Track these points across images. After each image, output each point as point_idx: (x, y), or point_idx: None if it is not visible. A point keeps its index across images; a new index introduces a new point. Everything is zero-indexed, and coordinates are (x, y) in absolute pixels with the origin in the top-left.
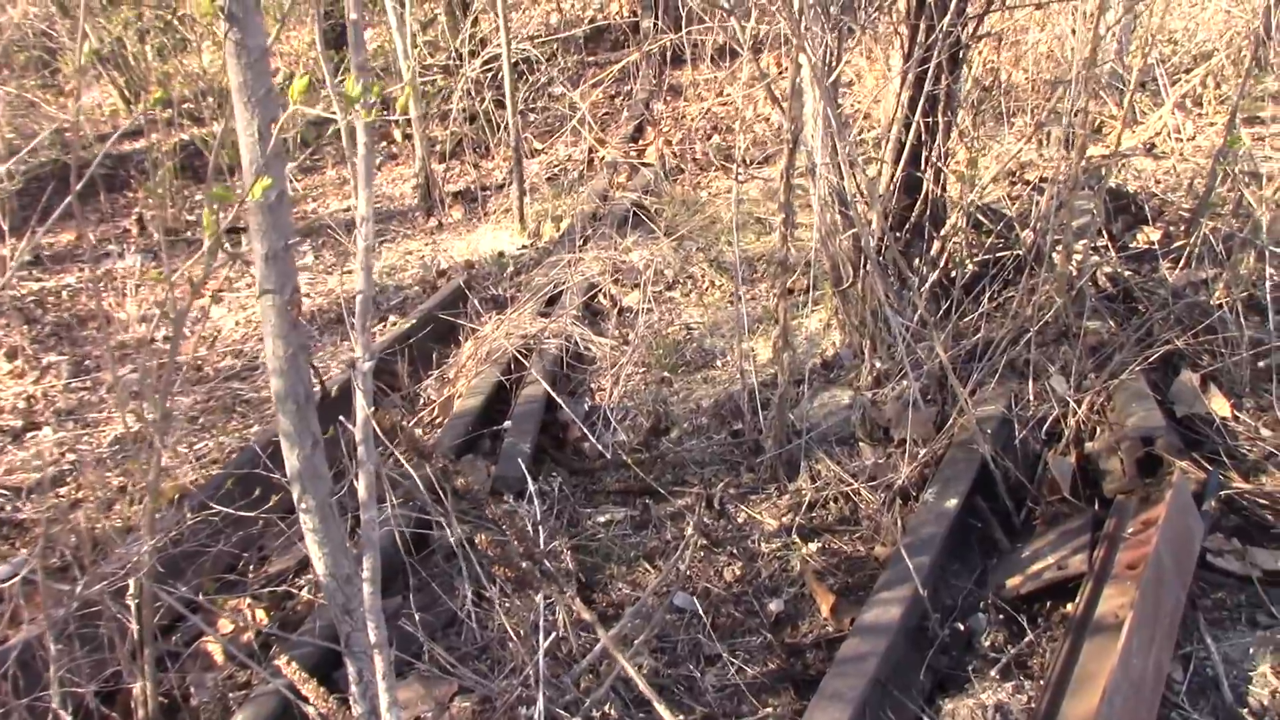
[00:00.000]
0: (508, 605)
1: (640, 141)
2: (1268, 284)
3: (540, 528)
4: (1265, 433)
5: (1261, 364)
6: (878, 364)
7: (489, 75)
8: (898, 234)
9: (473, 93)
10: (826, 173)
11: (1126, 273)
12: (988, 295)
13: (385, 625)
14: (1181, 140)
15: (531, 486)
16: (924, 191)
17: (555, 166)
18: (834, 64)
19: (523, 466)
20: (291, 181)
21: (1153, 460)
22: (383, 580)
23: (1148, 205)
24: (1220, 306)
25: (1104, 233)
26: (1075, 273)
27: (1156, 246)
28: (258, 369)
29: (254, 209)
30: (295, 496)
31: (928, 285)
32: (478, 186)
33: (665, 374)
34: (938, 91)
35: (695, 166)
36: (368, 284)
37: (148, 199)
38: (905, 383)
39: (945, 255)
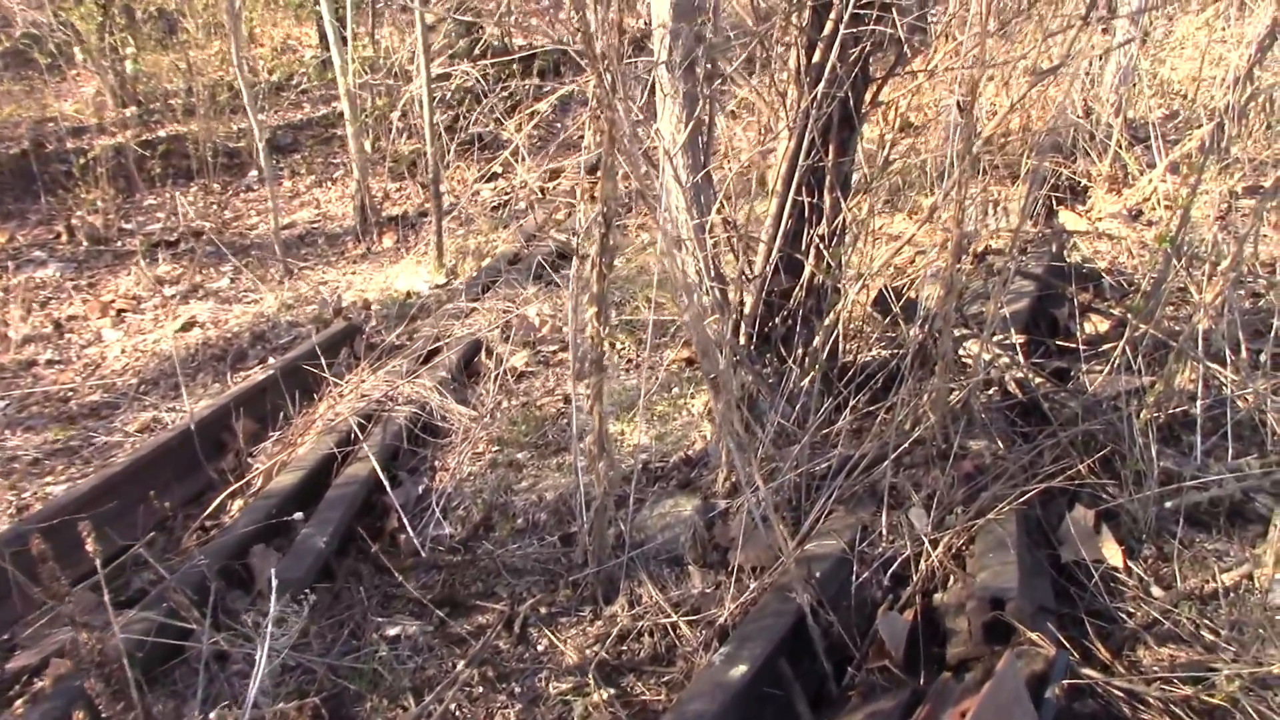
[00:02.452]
0: None
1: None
2: (1199, 404)
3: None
4: (1157, 592)
5: (1169, 504)
6: (734, 472)
7: (441, 94)
8: (773, 321)
9: (415, 112)
10: (694, 248)
11: (1038, 379)
12: (864, 399)
13: None
14: (1171, 208)
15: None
16: (806, 274)
17: (506, 194)
18: (705, 126)
19: (305, 566)
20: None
21: (1005, 625)
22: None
23: (1111, 284)
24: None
25: (1038, 323)
26: (971, 378)
27: (1083, 346)
28: (120, 407)
29: None
30: None
31: (807, 380)
32: (418, 213)
33: (519, 455)
34: (825, 164)
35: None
36: None
37: (81, 203)
38: (758, 494)
39: (830, 347)
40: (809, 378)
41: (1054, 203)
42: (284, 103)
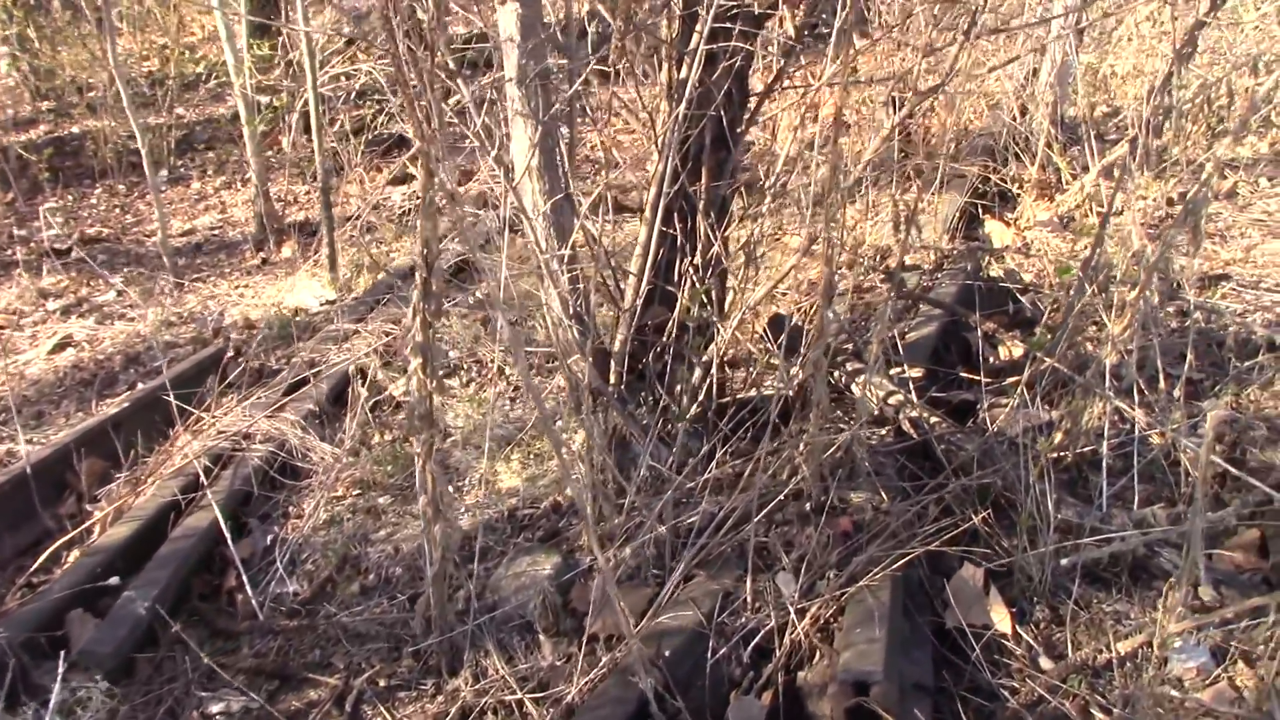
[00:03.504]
0: None
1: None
2: (1105, 445)
3: None
4: (1046, 663)
5: (1065, 561)
6: (601, 522)
7: (346, 93)
8: (646, 357)
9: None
10: (557, 279)
11: (933, 419)
12: (747, 441)
13: None
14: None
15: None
16: (681, 307)
17: (417, 198)
18: (565, 147)
19: (120, 636)
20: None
21: (870, 711)
22: None
23: (1032, 303)
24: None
25: (949, 348)
26: (858, 419)
27: (987, 380)
28: None
29: None
30: None
31: (684, 421)
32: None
33: (380, 499)
34: (697, 189)
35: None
36: None
37: None
38: (625, 552)
39: (710, 384)
40: (685, 418)
41: (980, 211)
42: (208, 96)
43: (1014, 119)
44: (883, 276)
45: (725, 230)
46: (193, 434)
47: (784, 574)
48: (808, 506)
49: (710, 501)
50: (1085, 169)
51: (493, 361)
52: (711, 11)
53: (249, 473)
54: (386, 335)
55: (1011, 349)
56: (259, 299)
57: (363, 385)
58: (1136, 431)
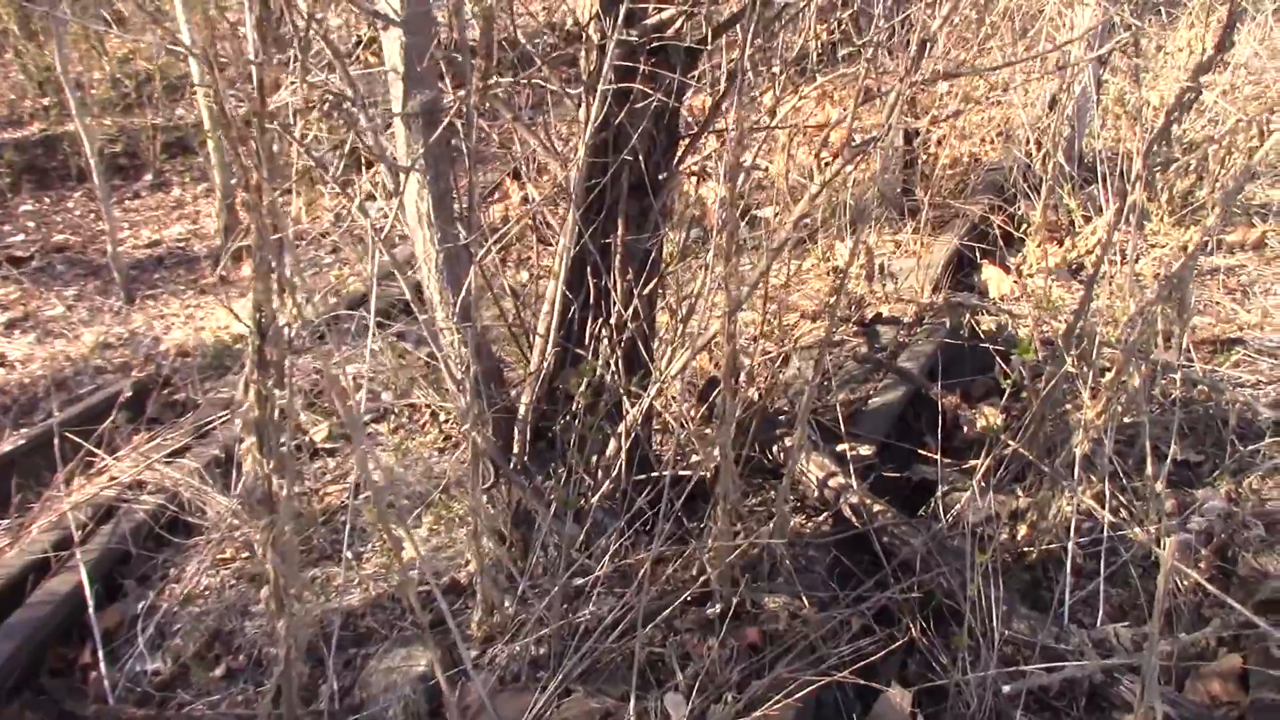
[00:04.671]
0: None
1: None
2: (1071, 544)
3: None
4: None
5: (1010, 687)
6: (493, 612)
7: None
8: (556, 424)
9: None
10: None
11: (877, 507)
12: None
13: None
14: (1117, 265)
15: None
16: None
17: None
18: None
19: None
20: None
21: None
22: None
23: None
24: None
25: (919, 416)
26: (806, 504)
27: (945, 461)
28: None
29: None
30: None
31: (596, 497)
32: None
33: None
34: (613, 241)
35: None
36: None
37: None
38: (516, 645)
39: (620, 462)
40: (599, 494)
41: (978, 255)
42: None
43: (1027, 153)
44: (855, 329)
45: (645, 287)
46: (89, 478)
47: (673, 695)
48: (712, 611)
49: (608, 596)
50: (1100, 211)
51: (427, 407)
52: (613, 42)
53: (135, 525)
54: (318, 372)
55: (990, 419)
56: (207, 320)
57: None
58: (1106, 531)
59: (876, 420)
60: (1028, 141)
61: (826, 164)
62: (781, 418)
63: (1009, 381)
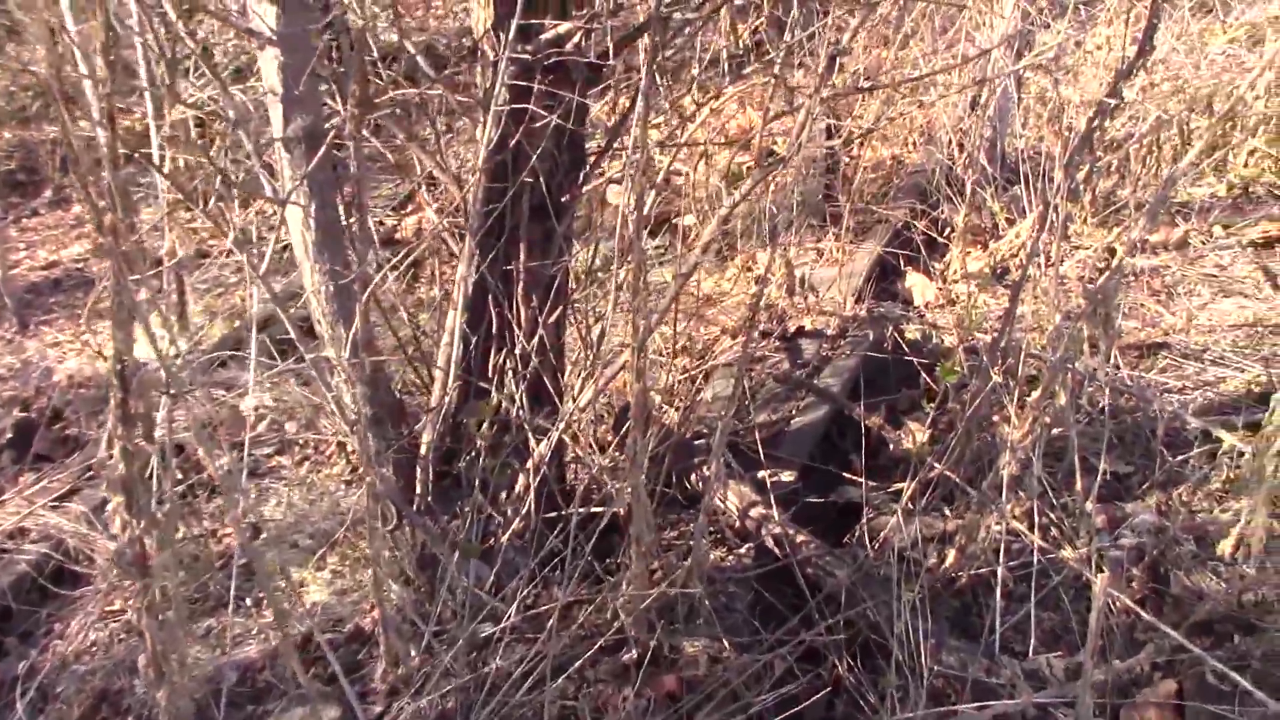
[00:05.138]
0: None
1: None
2: (1000, 569)
3: None
4: None
5: None
6: (398, 663)
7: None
8: (460, 460)
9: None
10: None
11: (800, 537)
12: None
13: None
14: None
15: None
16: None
17: None
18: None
19: None
20: None
21: None
22: None
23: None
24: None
25: (844, 435)
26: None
27: (869, 484)
28: None
29: None
30: None
31: (505, 537)
32: (199, 252)
33: (167, 613)
34: (515, 269)
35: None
36: None
37: None
38: (422, 699)
39: (529, 499)
40: (509, 533)
41: (901, 262)
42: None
43: (950, 155)
44: (777, 344)
45: (550, 315)
46: None
47: None
48: (628, 658)
49: (519, 644)
50: (1024, 213)
51: (335, 435)
52: (505, 60)
53: (12, 580)
54: (216, 401)
55: (917, 435)
56: (105, 347)
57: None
58: (1035, 555)
59: (799, 442)
60: (950, 143)
61: (749, 169)
62: (700, 442)
63: (929, 403)
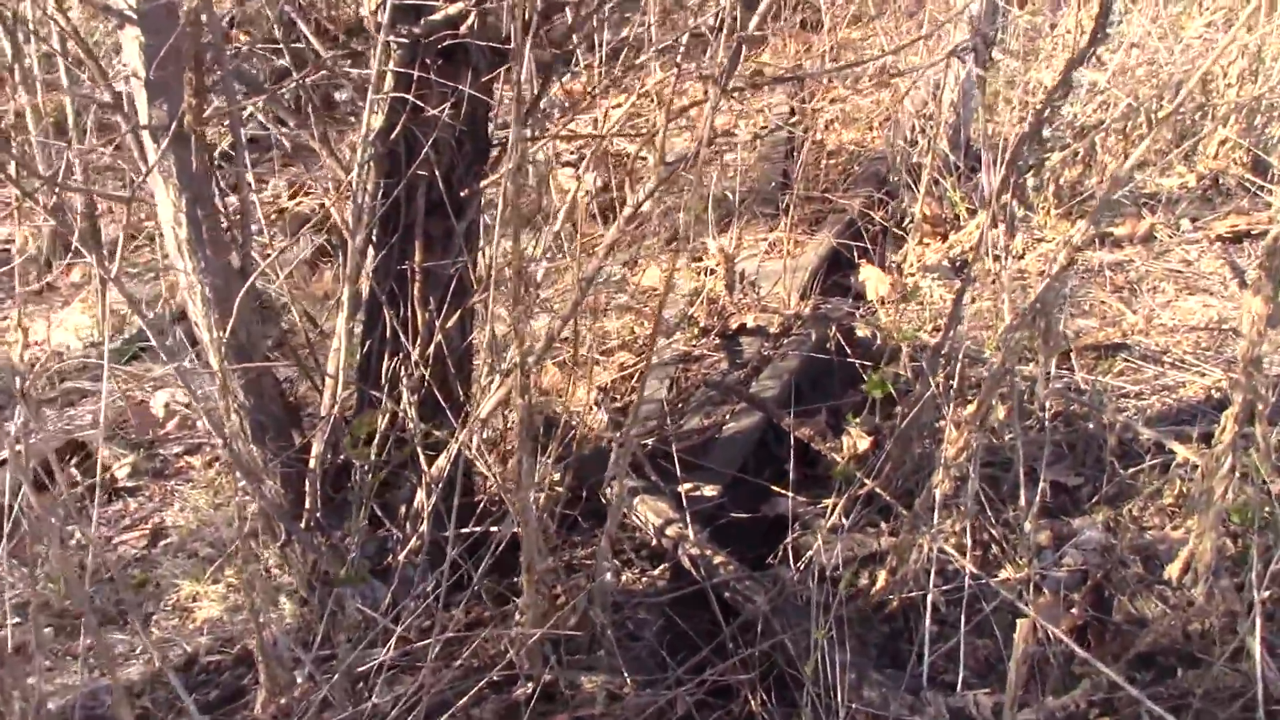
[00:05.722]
0: None
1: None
2: (930, 594)
3: None
4: None
5: None
6: (279, 692)
7: None
8: (356, 474)
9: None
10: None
11: (718, 558)
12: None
13: None
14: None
15: None
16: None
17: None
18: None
19: None
20: None
21: None
22: None
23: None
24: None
25: (781, 442)
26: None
27: (797, 499)
28: None
29: None
30: None
31: (403, 556)
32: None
33: (44, 630)
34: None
35: None
36: None
37: None
38: None
39: (426, 515)
40: (404, 552)
41: (855, 255)
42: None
43: (912, 141)
44: (717, 343)
45: (448, 319)
46: None
47: None
48: (520, 693)
49: (405, 674)
50: (985, 202)
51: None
52: (382, 41)
53: None
54: (126, 396)
55: (856, 442)
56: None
57: (75, 466)
58: (967, 581)
59: (731, 450)
60: (913, 129)
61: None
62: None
63: (864, 412)
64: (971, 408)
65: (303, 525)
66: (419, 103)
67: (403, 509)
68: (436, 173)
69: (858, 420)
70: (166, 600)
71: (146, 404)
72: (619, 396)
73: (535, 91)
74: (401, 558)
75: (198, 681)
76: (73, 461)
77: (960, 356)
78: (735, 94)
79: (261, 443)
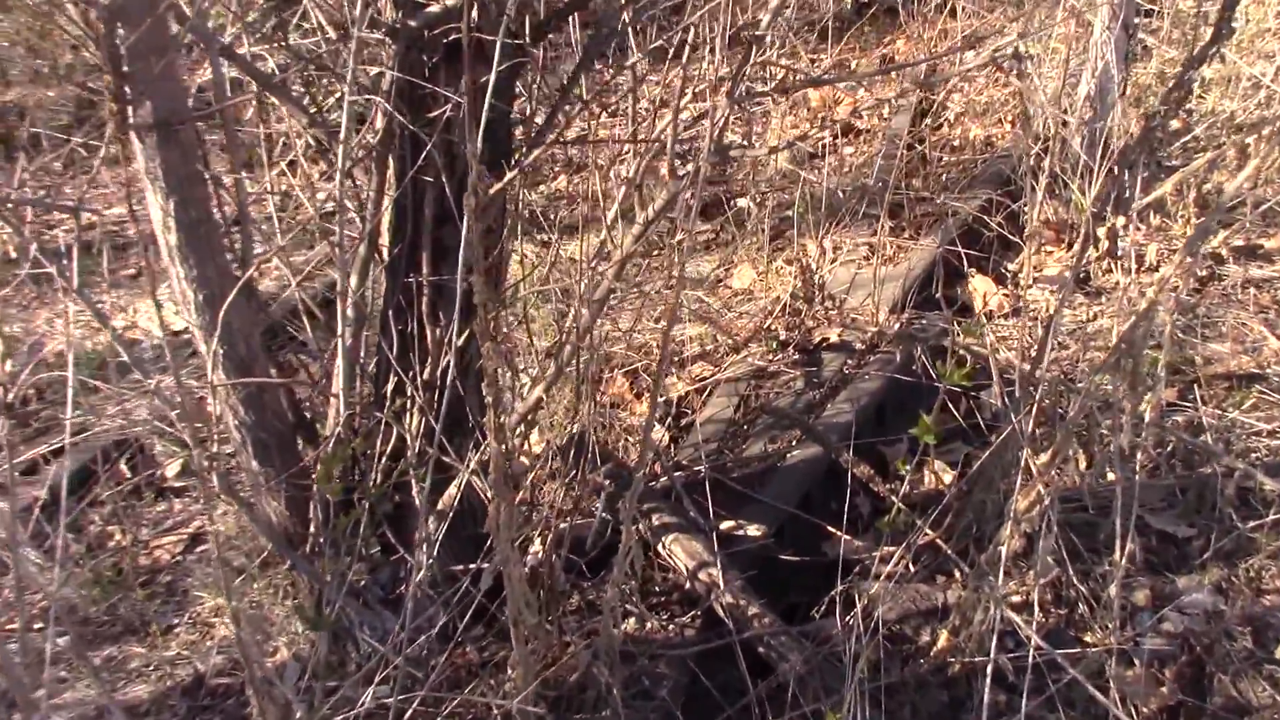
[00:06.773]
0: None
1: None
2: (992, 664)
3: None
4: None
5: None
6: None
7: None
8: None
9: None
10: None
11: (752, 609)
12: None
13: None
14: (1133, 275)
15: None
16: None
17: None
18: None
19: None
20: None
21: None
22: None
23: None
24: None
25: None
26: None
27: (853, 542)
28: None
29: None
30: None
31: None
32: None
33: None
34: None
35: None
36: None
37: None
38: None
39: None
40: (414, 583)
41: (965, 263)
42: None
43: (1044, 138)
44: (795, 357)
45: (460, 337)
46: None
47: None
48: None
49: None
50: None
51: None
52: (356, 33)
53: None
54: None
55: (940, 475)
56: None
57: (126, 463)
58: (1031, 651)
59: (791, 481)
60: (1045, 124)
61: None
62: (681, 474)
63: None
64: (1044, 456)
65: (307, 548)
66: (418, 104)
67: (415, 538)
68: (445, 180)
69: (903, 466)
70: (191, 612)
71: (204, 400)
72: (690, 411)
73: (564, 83)
74: (411, 588)
75: (202, 706)
76: (126, 458)
77: (1056, 388)
78: (741, 104)
79: (266, 461)
